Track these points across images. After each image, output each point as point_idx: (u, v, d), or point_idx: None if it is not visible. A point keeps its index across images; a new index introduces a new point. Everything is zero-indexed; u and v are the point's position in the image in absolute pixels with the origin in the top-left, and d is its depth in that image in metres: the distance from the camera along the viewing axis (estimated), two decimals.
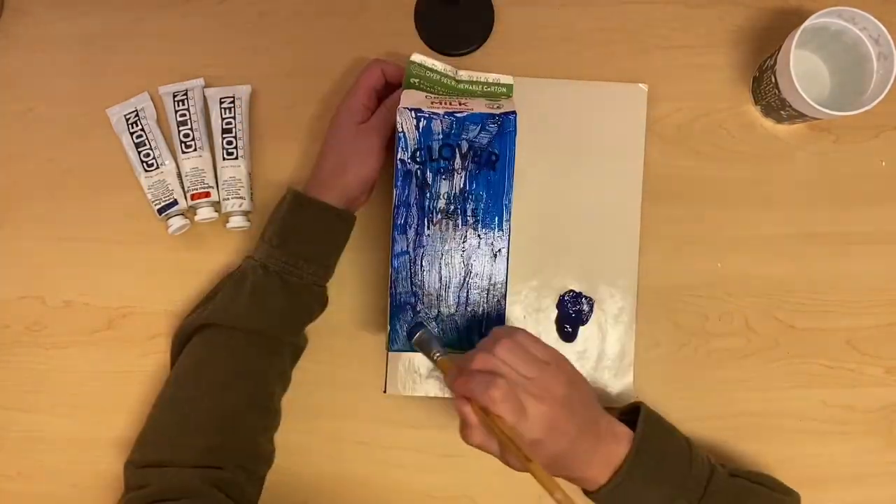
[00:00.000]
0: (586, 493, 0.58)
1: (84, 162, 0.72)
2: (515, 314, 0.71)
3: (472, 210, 0.61)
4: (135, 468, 0.60)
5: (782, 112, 0.69)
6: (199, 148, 0.70)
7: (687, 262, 0.72)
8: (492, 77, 0.66)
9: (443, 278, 0.62)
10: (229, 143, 0.70)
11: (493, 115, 0.60)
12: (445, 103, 0.62)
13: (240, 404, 0.62)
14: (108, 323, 0.71)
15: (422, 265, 0.61)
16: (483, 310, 0.62)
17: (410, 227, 0.61)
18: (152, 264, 0.71)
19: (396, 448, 0.70)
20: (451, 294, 0.62)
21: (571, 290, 0.71)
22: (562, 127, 0.72)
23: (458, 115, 0.60)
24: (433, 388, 0.70)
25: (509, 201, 0.61)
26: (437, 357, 0.59)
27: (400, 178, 0.60)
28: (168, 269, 0.71)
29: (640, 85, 0.73)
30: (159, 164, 0.70)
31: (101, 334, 0.71)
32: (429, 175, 0.60)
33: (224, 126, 0.70)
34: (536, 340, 0.56)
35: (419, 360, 0.70)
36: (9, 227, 0.72)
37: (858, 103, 0.64)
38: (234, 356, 0.62)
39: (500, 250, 0.62)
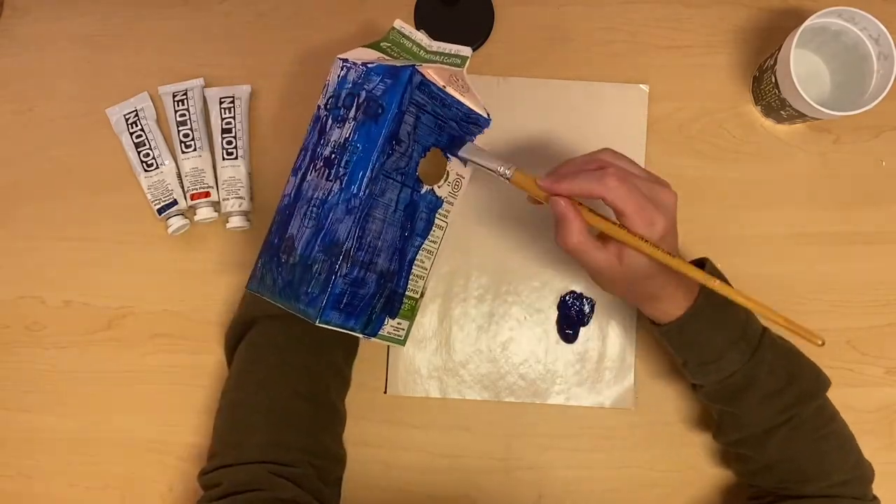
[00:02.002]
0: (654, 325, 0.59)
1: (84, 162, 0.72)
2: (516, 315, 0.71)
3: (346, 162, 0.56)
4: (206, 475, 0.60)
5: (782, 112, 0.69)
6: (199, 148, 0.70)
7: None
8: (453, 48, 0.62)
9: (301, 226, 0.57)
10: (229, 143, 0.70)
11: (394, 67, 0.56)
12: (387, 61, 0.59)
13: (290, 397, 0.61)
14: (108, 323, 0.71)
15: (293, 209, 0.58)
16: (317, 268, 0.55)
17: (300, 171, 0.59)
18: (152, 264, 0.71)
19: (396, 448, 0.70)
20: (300, 244, 0.57)
21: (572, 291, 0.71)
22: (562, 127, 0.72)
23: (370, 65, 0.57)
24: (433, 388, 0.70)
25: (378, 158, 0.55)
26: (509, 171, 0.56)
27: (311, 123, 0.59)
28: (168, 269, 0.71)
29: (641, 86, 0.73)
30: (159, 164, 0.70)
31: (100, 334, 0.71)
32: (329, 122, 0.58)
33: (224, 126, 0.70)
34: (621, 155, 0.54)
35: (420, 360, 0.70)
36: (9, 227, 0.72)
37: (858, 103, 0.64)
38: (273, 349, 0.62)
39: (352, 208, 0.55)
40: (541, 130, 0.72)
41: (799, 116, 0.68)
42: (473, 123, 0.61)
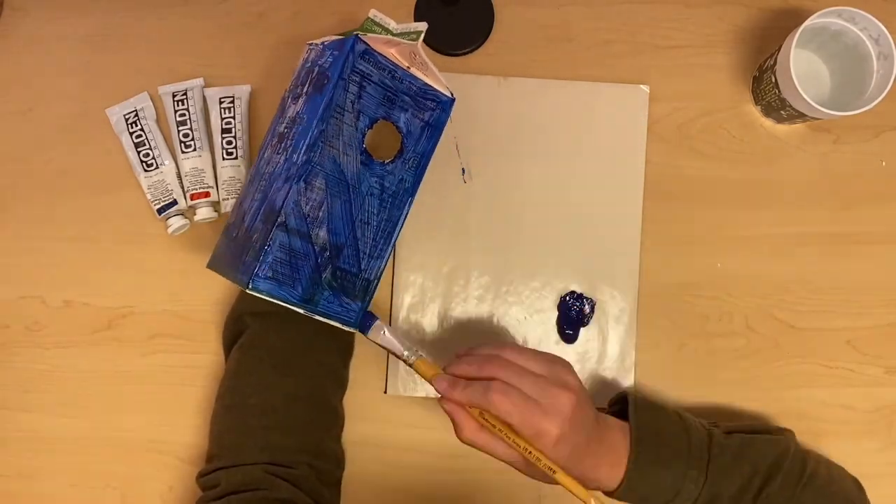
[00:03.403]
0: (607, 494, 0.58)
1: (84, 162, 0.72)
2: (516, 315, 0.71)
3: (293, 134, 0.56)
4: (204, 476, 0.60)
5: (782, 112, 0.69)
6: (199, 148, 0.70)
7: (687, 262, 0.72)
8: (412, 26, 0.60)
9: (251, 202, 0.58)
10: (229, 142, 0.70)
11: (342, 40, 0.56)
12: None
13: (286, 400, 0.61)
14: (108, 323, 0.71)
15: (249, 187, 0.59)
16: (256, 237, 0.55)
17: (262, 150, 0.60)
18: (152, 264, 0.71)
19: (396, 448, 0.70)
20: (248, 218, 0.57)
21: (572, 291, 0.71)
22: (563, 127, 0.72)
23: (325, 42, 0.58)
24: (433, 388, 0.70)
25: (317, 125, 0.54)
26: (412, 359, 0.58)
27: (279, 107, 0.60)
28: (168, 269, 0.71)
29: (642, 86, 0.72)
30: (159, 163, 0.70)
31: (100, 334, 0.71)
32: (288, 101, 0.59)
33: (223, 126, 0.70)
34: (525, 348, 0.56)
35: None
36: (9, 227, 0.72)
37: (858, 103, 0.64)
38: (270, 354, 0.62)
39: (290, 176, 0.54)
40: (541, 131, 0.72)
41: (799, 116, 0.68)
42: (431, 100, 0.60)
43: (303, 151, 0.53)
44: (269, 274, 0.54)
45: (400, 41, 0.57)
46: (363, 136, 0.57)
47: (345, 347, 0.67)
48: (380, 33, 0.61)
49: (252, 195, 0.57)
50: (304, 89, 0.57)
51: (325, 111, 0.54)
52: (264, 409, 0.61)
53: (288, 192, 0.53)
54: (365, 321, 0.59)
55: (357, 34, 0.55)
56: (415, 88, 0.59)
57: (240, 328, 0.64)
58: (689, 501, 0.57)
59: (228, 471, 0.58)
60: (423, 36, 0.59)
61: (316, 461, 0.61)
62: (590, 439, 0.54)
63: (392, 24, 0.61)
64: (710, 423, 0.62)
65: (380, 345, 0.59)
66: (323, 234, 0.56)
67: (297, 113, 0.56)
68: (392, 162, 0.59)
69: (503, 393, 0.51)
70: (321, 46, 0.58)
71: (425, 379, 0.57)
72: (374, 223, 0.59)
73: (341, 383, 0.67)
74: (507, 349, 0.55)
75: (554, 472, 0.52)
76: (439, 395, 0.55)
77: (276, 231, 0.53)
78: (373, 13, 0.62)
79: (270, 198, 0.55)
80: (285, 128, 0.57)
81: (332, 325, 0.59)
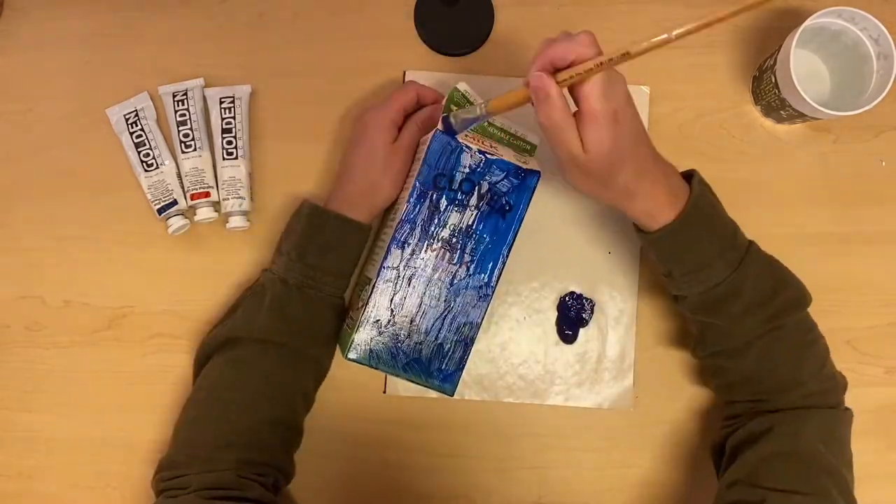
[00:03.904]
0: (642, 232, 0.59)
1: (84, 162, 0.72)
2: (515, 315, 0.71)
3: (472, 249, 0.62)
4: (168, 480, 0.60)
5: (782, 112, 0.69)
6: (199, 148, 0.70)
7: None
8: (520, 131, 0.65)
9: (423, 305, 0.62)
10: (229, 142, 0.70)
11: (520, 168, 0.62)
12: (478, 140, 0.62)
13: (269, 422, 0.62)
14: (108, 323, 0.71)
15: (407, 285, 0.61)
16: (449, 347, 0.62)
17: (409, 246, 0.61)
18: (152, 264, 0.71)
19: (396, 448, 0.70)
20: (425, 322, 0.62)
21: (572, 292, 0.71)
22: None
23: (489, 156, 0.61)
24: None
25: (507, 253, 0.62)
26: (483, 105, 0.57)
27: (415, 196, 0.61)
28: (168, 269, 0.71)
29: (642, 87, 0.72)
30: (159, 163, 0.70)
31: (101, 334, 0.71)
32: (443, 202, 0.61)
33: (224, 126, 0.70)
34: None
35: None
36: (9, 227, 0.72)
37: (858, 103, 0.64)
38: (257, 372, 0.63)
39: (485, 295, 0.62)
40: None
41: (799, 116, 0.68)
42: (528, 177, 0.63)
43: (496, 277, 0.62)
44: (458, 378, 0.63)
45: (534, 159, 0.65)
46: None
47: (322, 373, 0.68)
48: (490, 130, 0.65)
49: (420, 299, 0.62)
50: (472, 201, 0.61)
51: (513, 240, 0.62)
52: (248, 428, 0.61)
53: (483, 311, 0.63)
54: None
55: (539, 172, 0.62)
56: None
57: (227, 345, 0.64)
58: (710, 282, 0.58)
59: (198, 476, 0.59)
60: (536, 151, 0.66)
61: (279, 474, 0.63)
62: (655, 162, 0.56)
63: (477, 98, 0.63)
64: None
65: (458, 120, 0.60)
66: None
67: (471, 227, 0.62)
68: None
69: (589, 34, 0.50)
70: (481, 157, 0.61)
71: (510, 104, 0.55)
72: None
73: (309, 405, 0.67)
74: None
75: (625, 55, 0.47)
76: (531, 79, 0.51)
77: (472, 346, 0.63)
78: (462, 86, 0.63)
79: (462, 312, 0.62)
80: (453, 237, 0.61)
81: (317, 337, 0.64)
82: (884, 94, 0.64)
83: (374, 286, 0.61)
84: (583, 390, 0.71)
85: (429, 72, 0.72)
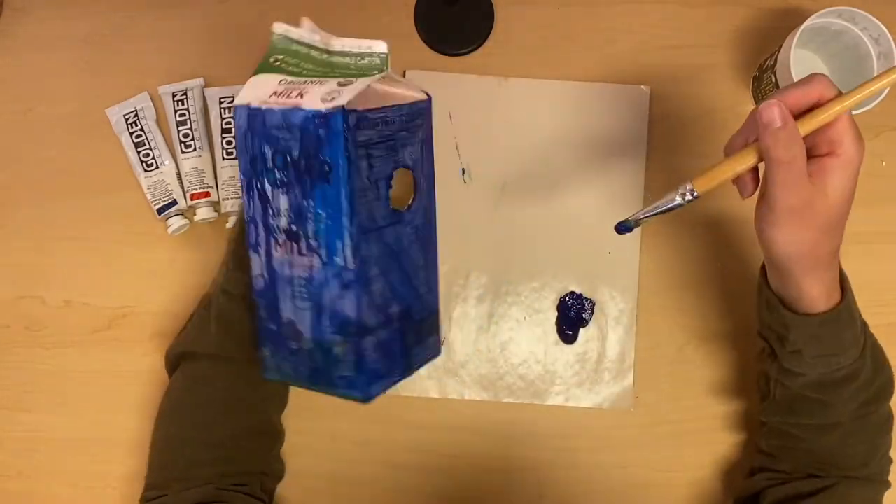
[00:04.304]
0: (788, 309, 0.55)
1: (84, 162, 0.72)
2: (515, 315, 0.71)
3: (314, 232, 0.49)
4: (147, 501, 0.60)
5: None
6: (199, 148, 0.70)
7: (687, 262, 0.72)
8: (364, 45, 0.51)
9: (294, 309, 0.51)
10: (229, 143, 0.70)
11: (315, 114, 0.46)
12: (297, 91, 0.48)
13: (237, 434, 0.62)
14: (108, 323, 0.71)
15: (276, 293, 0.52)
16: (339, 350, 0.51)
17: (261, 247, 0.52)
18: (152, 264, 0.71)
19: (396, 448, 0.70)
20: (305, 328, 0.51)
21: (572, 292, 0.71)
22: (563, 128, 0.72)
23: (286, 110, 0.48)
24: (432, 388, 0.70)
25: (350, 223, 0.48)
26: (691, 192, 0.50)
27: (244, 190, 0.51)
28: (168, 269, 0.71)
29: (642, 86, 0.72)
30: (159, 163, 0.70)
31: (100, 334, 0.71)
32: (267, 187, 0.50)
33: (223, 126, 0.70)
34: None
35: None
36: (8, 227, 0.72)
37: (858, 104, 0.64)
38: (215, 389, 0.61)
39: (348, 282, 0.49)
40: (541, 132, 0.72)
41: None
42: (418, 116, 0.53)
43: (351, 256, 0.48)
44: (374, 378, 0.51)
45: (368, 79, 0.49)
46: (388, 201, 0.51)
47: None
48: (306, 53, 0.53)
49: (292, 303, 0.52)
50: (291, 176, 0.49)
51: (351, 203, 0.48)
52: (217, 443, 0.61)
53: (357, 300, 0.49)
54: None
55: (343, 108, 0.46)
56: (404, 117, 0.52)
57: (184, 359, 0.63)
58: (838, 365, 0.55)
59: (180, 493, 0.59)
60: (388, 60, 0.50)
61: (263, 476, 0.63)
62: (833, 253, 0.52)
63: (310, 37, 0.53)
64: None
65: (651, 214, 0.52)
66: (394, 308, 0.52)
67: (303, 206, 0.49)
68: (413, 202, 0.54)
69: (828, 84, 0.47)
70: (277, 115, 0.48)
71: (720, 179, 0.50)
72: (422, 263, 0.55)
73: (283, 402, 0.66)
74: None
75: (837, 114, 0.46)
76: (767, 106, 0.47)
77: (363, 341, 0.50)
78: (279, 28, 0.54)
79: (332, 308, 0.50)
80: (290, 224, 0.50)
81: None
82: (884, 94, 0.64)
83: (255, 300, 0.54)
84: (583, 390, 0.71)
85: (429, 72, 0.72)
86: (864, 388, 0.57)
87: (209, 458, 0.60)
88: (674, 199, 0.50)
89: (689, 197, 0.50)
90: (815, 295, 0.52)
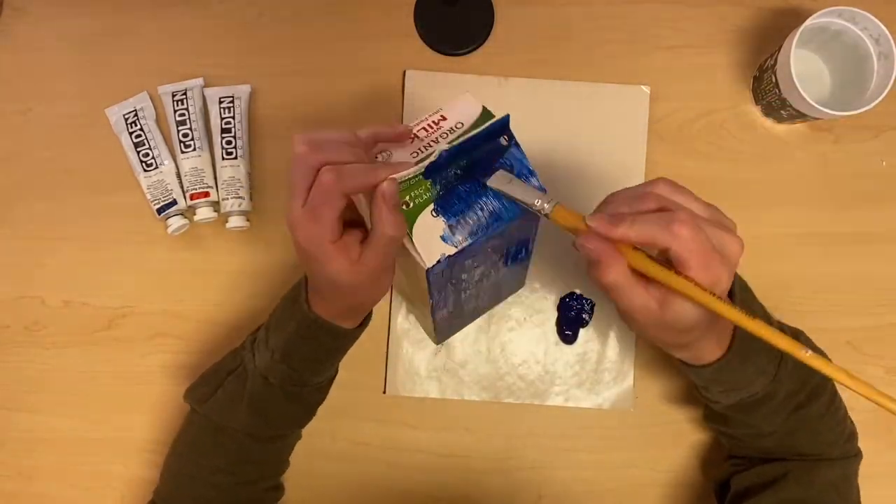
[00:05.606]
0: (688, 366, 0.54)
1: (83, 162, 0.72)
2: (515, 315, 0.71)
3: (503, 261, 0.58)
4: None
5: (782, 112, 0.69)
6: (199, 148, 0.70)
7: None
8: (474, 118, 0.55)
9: (479, 301, 0.64)
10: (228, 142, 0.70)
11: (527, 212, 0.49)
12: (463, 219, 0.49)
13: (250, 481, 0.62)
14: (108, 323, 0.71)
15: (461, 308, 0.62)
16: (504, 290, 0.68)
17: (447, 304, 0.58)
18: (152, 264, 0.71)
19: (396, 448, 0.70)
20: (483, 300, 0.65)
21: (572, 292, 0.71)
22: (563, 128, 0.72)
23: (489, 230, 0.49)
24: (433, 388, 0.70)
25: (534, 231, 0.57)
26: (547, 207, 0.46)
27: (434, 300, 0.54)
28: (168, 269, 0.71)
29: (642, 86, 0.72)
30: (158, 163, 0.70)
31: (100, 334, 0.71)
32: (463, 276, 0.54)
33: (223, 126, 0.70)
34: (679, 185, 0.47)
35: (419, 361, 0.70)
36: (9, 227, 0.72)
37: (858, 103, 0.64)
38: (235, 448, 0.61)
39: (519, 254, 0.59)
40: (541, 131, 0.72)
41: (799, 116, 0.68)
42: (494, 139, 0.53)
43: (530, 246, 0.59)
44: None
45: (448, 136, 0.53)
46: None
47: (298, 438, 0.67)
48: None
49: (474, 302, 0.64)
50: (487, 256, 0.54)
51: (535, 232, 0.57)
52: (226, 489, 0.61)
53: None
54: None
55: (545, 214, 0.47)
56: (480, 146, 0.52)
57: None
58: (747, 393, 0.55)
59: None
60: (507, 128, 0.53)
61: (273, 495, 0.65)
62: (703, 325, 0.47)
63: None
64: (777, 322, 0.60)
65: (505, 193, 0.49)
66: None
67: (489, 263, 0.56)
68: None
69: (692, 227, 0.41)
70: (477, 244, 0.49)
71: (566, 227, 0.46)
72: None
73: (300, 434, 0.67)
74: (659, 183, 0.45)
75: (712, 302, 0.42)
76: (583, 237, 0.44)
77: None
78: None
79: (507, 278, 0.64)
80: (482, 277, 0.58)
81: (301, 420, 0.63)
82: (884, 94, 0.64)
83: (434, 323, 0.61)
84: (583, 391, 0.71)
85: (429, 72, 0.72)
86: (789, 400, 0.57)
87: (215, 498, 0.61)
88: (534, 204, 0.47)
89: (543, 210, 0.47)
90: (698, 355, 0.52)
